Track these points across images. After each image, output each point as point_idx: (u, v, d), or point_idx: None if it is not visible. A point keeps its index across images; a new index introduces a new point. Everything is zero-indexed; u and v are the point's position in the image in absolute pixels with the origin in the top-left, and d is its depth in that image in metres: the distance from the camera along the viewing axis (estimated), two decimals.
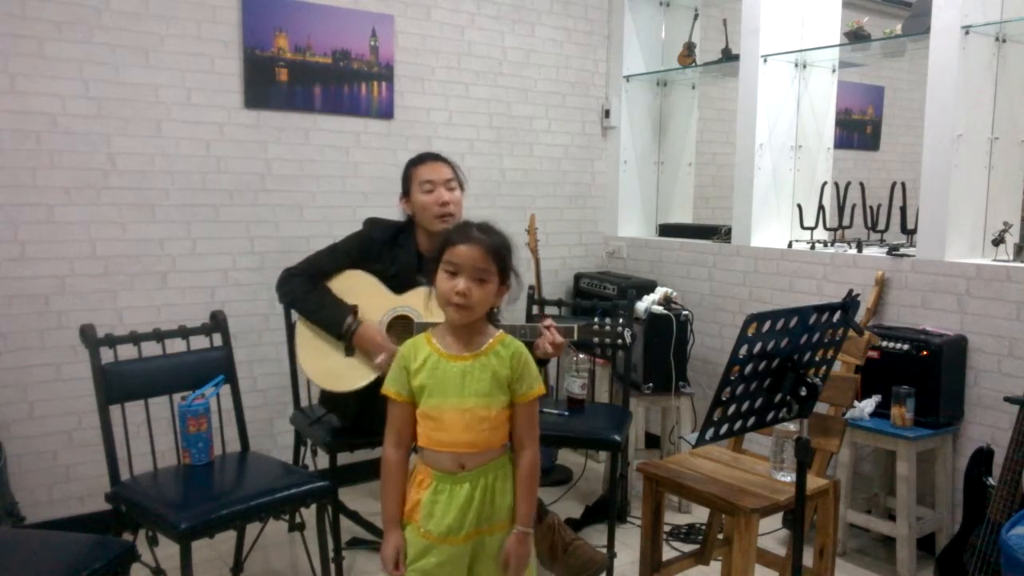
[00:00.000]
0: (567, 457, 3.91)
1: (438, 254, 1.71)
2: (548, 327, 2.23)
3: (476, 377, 1.69)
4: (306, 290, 2.57)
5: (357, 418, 2.58)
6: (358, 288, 2.58)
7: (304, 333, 2.58)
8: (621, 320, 2.42)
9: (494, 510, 1.71)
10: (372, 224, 2.74)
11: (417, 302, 2.53)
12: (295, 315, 2.66)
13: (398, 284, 2.57)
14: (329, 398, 2.66)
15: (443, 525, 1.67)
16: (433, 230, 2.56)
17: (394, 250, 2.65)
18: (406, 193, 2.66)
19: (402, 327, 2.53)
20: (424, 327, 2.46)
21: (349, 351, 2.53)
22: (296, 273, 2.62)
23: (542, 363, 2.89)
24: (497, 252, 1.69)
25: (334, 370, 2.52)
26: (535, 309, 3.32)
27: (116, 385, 2.30)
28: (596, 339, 2.39)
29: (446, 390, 1.68)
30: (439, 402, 1.68)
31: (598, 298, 3.76)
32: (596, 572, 2.64)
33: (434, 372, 1.69)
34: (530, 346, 2.34)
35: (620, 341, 2.40)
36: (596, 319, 2.39)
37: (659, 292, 3.43)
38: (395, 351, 2.46)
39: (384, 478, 1.74)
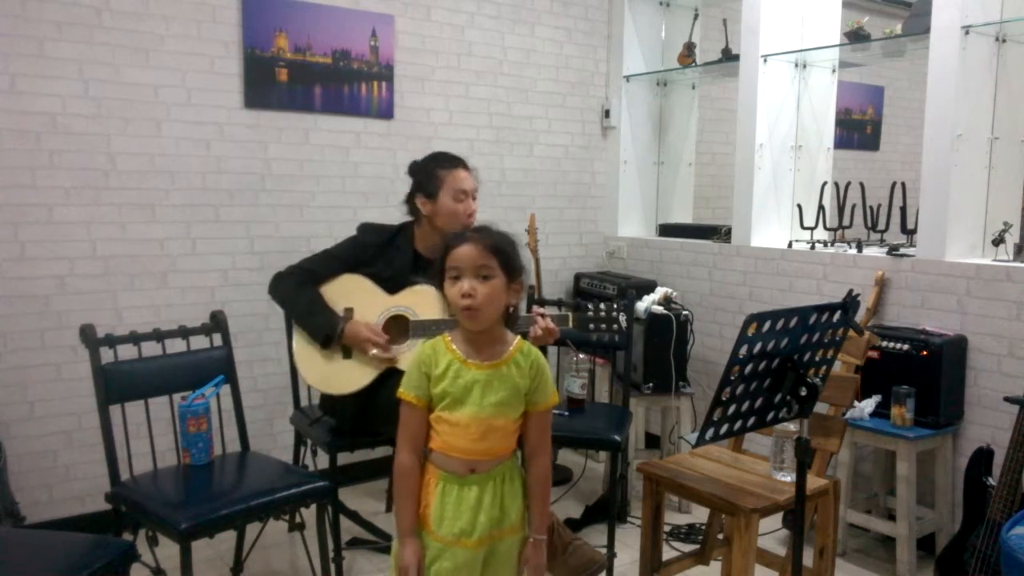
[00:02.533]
0: (567, 457, 3.91)
1: (440, 266, 1.68)
2: (541, 314, 2.31)
3: (496, 387, 1.66)
4: (297, 291, 2.57)
5: (356, 419, 2.58)
6: (352, 291, 2.58)
7: (301, 341, 2.57)
8: (615, 305, 2.41)
9: (504, 514, 1.69)
10: (365, 229, 2.72)
11: (411, 300, 2.53)
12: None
13: (393, 286, 2.57)
14: (328, 401, 2.66)
15: (456, 527, 1.64)
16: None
17: (389, 253, 2.64)
18: (431, 194, 2.59)
19: (398, 326, 2.53)
20: (420, 325, 2.47)
21: (347, 353, 2.53)
22: (286, 275, 2.62)
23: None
24: (495, 247, 1.65)
25: (333, 374, 2.52)
26: (535, 309, 3.31)
27: (116, 385, 2.30)
28: (592, 325, 2.41)
29: (466, 398, 1.65)
30: (457, 409, 1.65)
31: (598, 298, 3.76)
32: (595, 572, 2.64)
33: (456, 380, 1.65)
34: (524, 336, 2.36)
35: (616, 327, 2.39)
36: (591, 306, 2.41)
37: (659, 292, 3.43)
38: (386, 340, 2.48)
39: (400, 485, 1.68)
